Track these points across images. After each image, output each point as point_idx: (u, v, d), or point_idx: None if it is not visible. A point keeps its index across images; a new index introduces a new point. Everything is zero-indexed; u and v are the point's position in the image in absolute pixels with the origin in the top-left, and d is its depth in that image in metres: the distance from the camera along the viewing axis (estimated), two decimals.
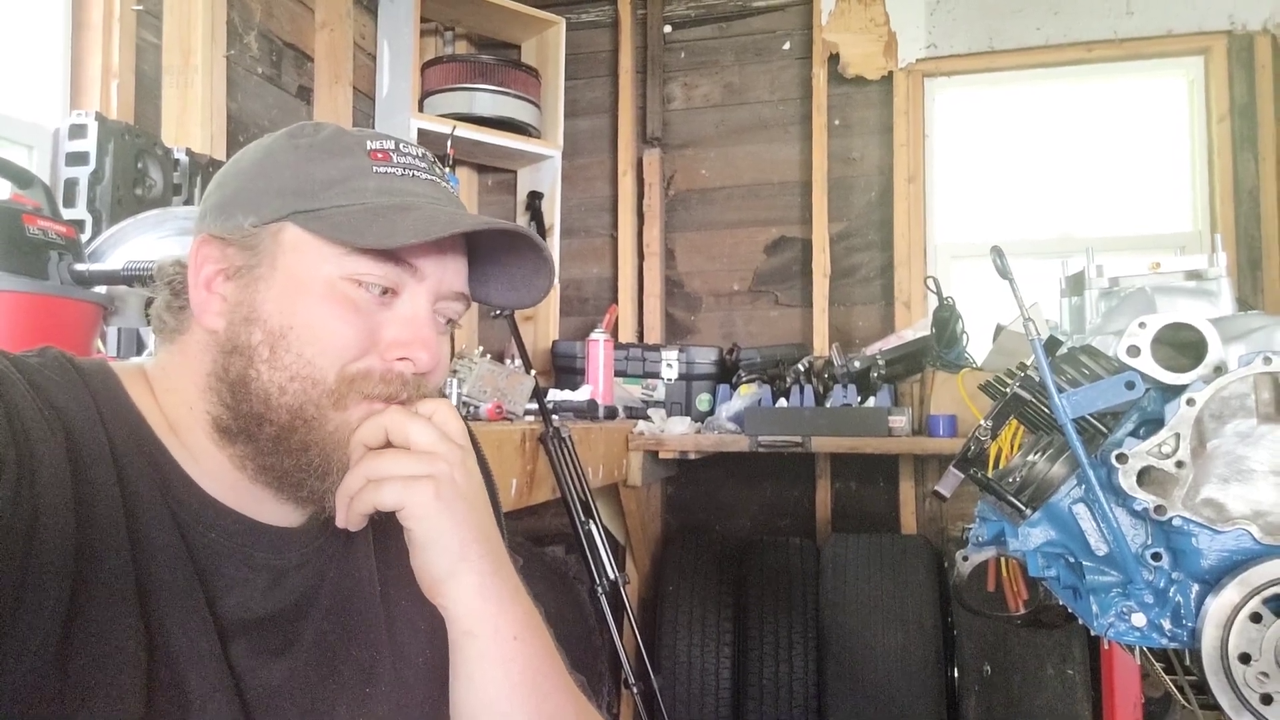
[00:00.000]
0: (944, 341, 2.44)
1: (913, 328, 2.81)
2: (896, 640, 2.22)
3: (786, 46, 3.08)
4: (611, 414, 2.22)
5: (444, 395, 0.74)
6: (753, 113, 3.10)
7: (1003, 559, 1.98)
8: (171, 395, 0.64)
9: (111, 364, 0.66)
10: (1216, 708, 0.83)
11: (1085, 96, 3.00)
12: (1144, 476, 0.83)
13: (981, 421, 0.97)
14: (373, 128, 2.80)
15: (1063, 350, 1.04)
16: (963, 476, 0.95)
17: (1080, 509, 0.90)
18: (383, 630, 0.69)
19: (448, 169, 2.48)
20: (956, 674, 2.18)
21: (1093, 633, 0.92)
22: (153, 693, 0.55)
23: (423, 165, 0.68)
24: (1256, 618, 0.77)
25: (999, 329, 2.53)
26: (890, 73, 2.95)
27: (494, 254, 0.71)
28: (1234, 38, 2.77)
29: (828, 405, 2.45)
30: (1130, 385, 0.87)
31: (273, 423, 0.61)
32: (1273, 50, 2.73)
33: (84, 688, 0.52)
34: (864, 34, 2.98)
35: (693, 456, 2.37)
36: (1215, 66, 2.80)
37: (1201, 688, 0.86)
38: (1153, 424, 0.88)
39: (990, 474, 1.08)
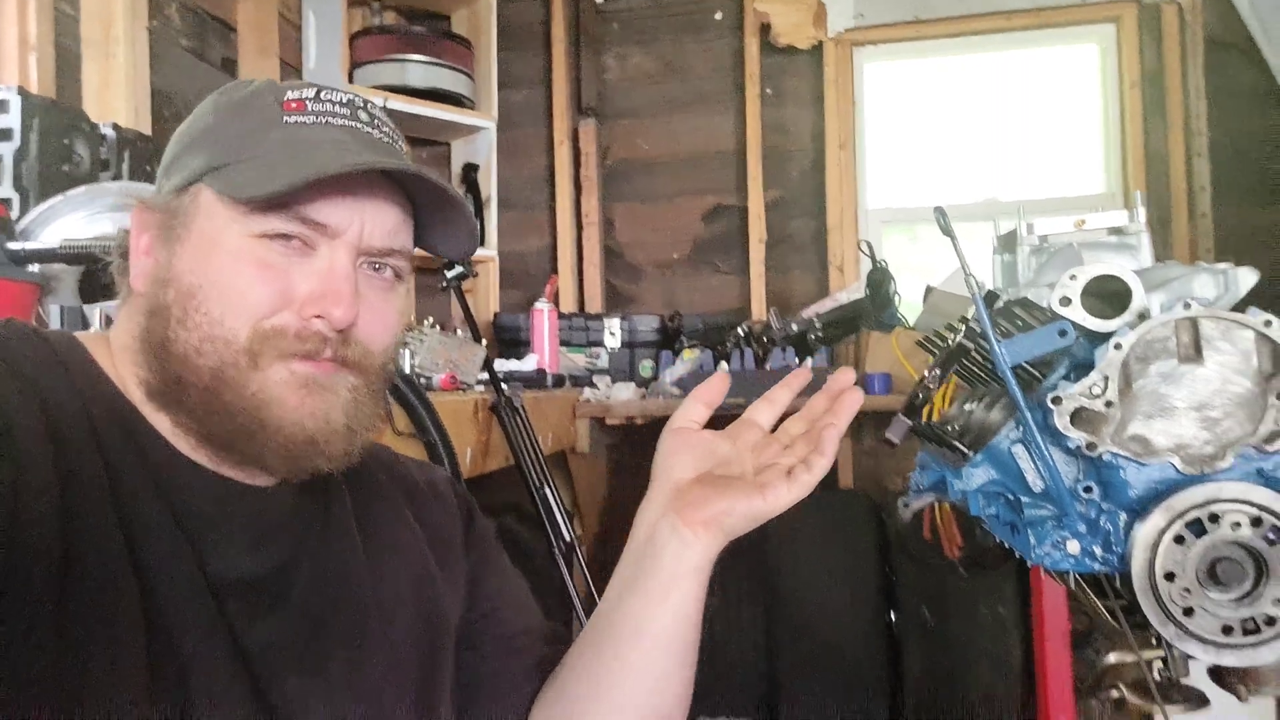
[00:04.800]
0: (878, 303, 2.52)
1: (846, 291, 2.89)
2: (840, 591, 2.31)
3: (718, 17, 3.11)
4: (559, 382, 2.24)
5: (396, 363, 0.73)
6: (687, 83, 3.12)
7: (936, 512, 2.08)
8: (125, 363, 0.65)
9: (78, 335, 0.66)
10: (1143, 626, 0.90)
11: (1007, 65, 3.11)
12: (1076, 417, 0.89)
13: (926, 372, 1.03)
14: None
15: (999, 304, 1.10)
16: (910, 423, 1.00)
17: (1019, 449, 0.96)
18: (368, 590, 0.70)
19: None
20: (898, 621, 2.28)
21: (1030, 563, 0.99)
22: (152, 653, 0.56)
23: (341, 112, 0.66)
24: (1179, 540, 0.84)
25: (929, 290, 2.63)
26: (820, 42, 3.00)
27: (432, 202, 0.69)
28: (1144, 7, 2.89)
29: (768, 368, 2.52)
30: (1063, 333, 0.93)
31: (196, 386, 0.61)
32: (1179, 20, 2.87)
33: (85, 653, 0.53)
34: (794, 4, 3.02)
35: (639, 422, 2.41)
36: (1126, 35, 2.92)
37: (1129, 610, 0.93)
38: (1083, 368, 0.94)
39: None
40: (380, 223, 0.65)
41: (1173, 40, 2.87)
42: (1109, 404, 0.89)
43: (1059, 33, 3.03)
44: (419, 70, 2.79)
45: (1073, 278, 0.94)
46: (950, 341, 1.02)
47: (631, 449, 3.01)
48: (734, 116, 3.08)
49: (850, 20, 2.99)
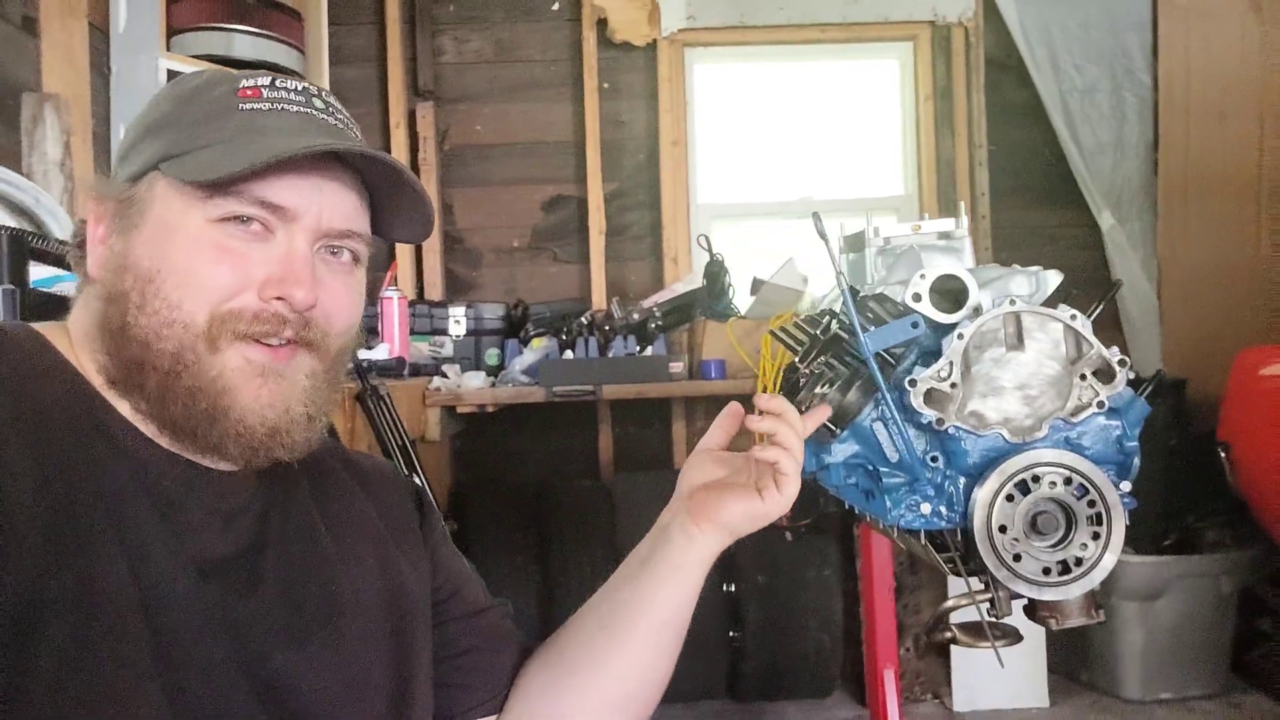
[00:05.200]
0: (714, 294, 2.68)
1: (681, 281, 3.05)
2: None
3: (556, 7, 3.15)
4: (416, 371, 2.23)
5: (356, 347, 0.75)
6: (526, 71, 3.15)
7: None
8: (84, 351, 0.65)
9: (35, 325, 0.65)
10: (977, 571, 1.08)
11: (822, 73, 3.37)
12: (928, 397, 1.05)
13: (797, 362, 1.16)
14: (109, 66, 2.56)
15: (858, 298, 1.25)
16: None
17: (878, 426, 1.11)
18: (337, 567, 0.72)
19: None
20: (736, 586, 2.46)
21: (884, 525, 1.14)
22: (152, 634, 0.57)
23: (296, 99, 0.67)
24: (1010, 498, 1.01)
25: (756, 283, 2.82)
26: (655, 40, 3.13)
27: (388, 187, 0.70)
28: (936, 28, 3.23)
29: (610, 355, 2.62)
30: (915, 325, 1.08)
31: (155, 369, 0.62)
32: (965, 41, 3.22)
33: (90, 639, 0.54)
34: (629, 0, 3.12)
35: (490, 409, 2.44)
36: (921, 52, 3.25)
37: (964, 559, 1.11)
38: (930, 355, 1.10)
39: None
40: (338, 205, 0.67)
41: (960, 59, 3.23)
42: (953, 385, 1.05)
43: (866, 47, 3.32)
44: (245, 42, 2.65)
45: (922, 277, 1.09)
46: (819, 333, 1.15)
47: (475, 436, 3.03)
48: (572, 106, 3.14)
49: (682, 21, 3.13)
